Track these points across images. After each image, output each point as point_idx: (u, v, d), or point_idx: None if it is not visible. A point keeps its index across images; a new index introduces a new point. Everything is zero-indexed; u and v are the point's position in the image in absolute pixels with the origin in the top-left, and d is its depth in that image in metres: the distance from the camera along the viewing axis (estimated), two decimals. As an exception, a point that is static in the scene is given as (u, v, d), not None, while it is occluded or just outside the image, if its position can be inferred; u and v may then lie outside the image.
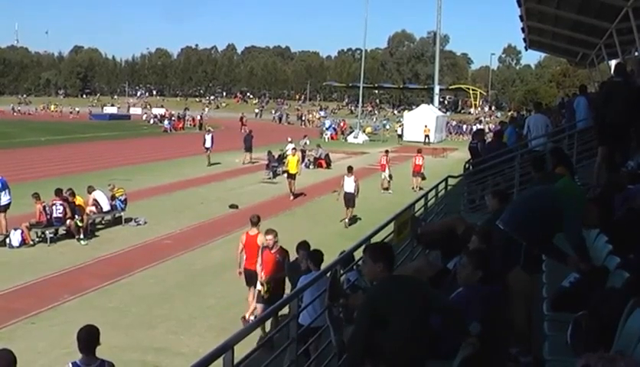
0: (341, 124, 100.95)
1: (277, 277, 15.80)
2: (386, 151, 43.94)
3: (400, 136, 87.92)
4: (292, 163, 37.63)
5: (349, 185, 31.54)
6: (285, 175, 38.56)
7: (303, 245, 14.45)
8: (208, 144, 53.15)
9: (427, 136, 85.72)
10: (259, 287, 16.20)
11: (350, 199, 31.26)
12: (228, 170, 48.06)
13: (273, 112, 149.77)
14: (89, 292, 19.73)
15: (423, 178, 41.74)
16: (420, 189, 39.39)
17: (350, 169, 32.81)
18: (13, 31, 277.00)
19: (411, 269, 9.14)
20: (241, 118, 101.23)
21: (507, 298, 8.00)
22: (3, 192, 26.33)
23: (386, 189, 41.14)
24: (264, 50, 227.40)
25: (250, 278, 17.56)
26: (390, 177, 41.74)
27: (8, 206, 26.50)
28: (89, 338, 9.42)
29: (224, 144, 72.38)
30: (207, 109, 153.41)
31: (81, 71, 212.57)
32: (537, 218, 8.73)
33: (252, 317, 16.39)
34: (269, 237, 16.44)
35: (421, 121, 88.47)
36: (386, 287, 6.99)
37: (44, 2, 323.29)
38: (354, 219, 31.31)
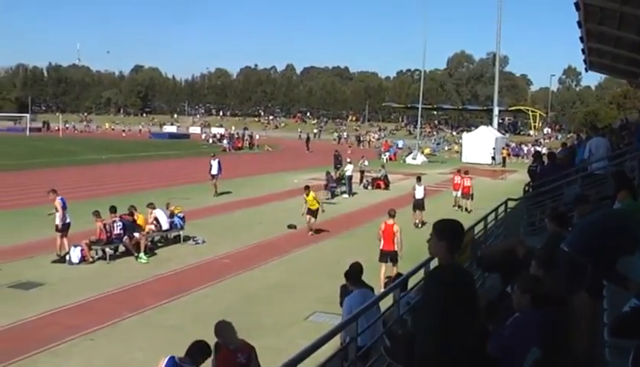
0: (383, 144, 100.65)
1: None
2: (458, 171, 44.81)
3: (494, 158, 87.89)
4: (310, 200, 34.03)
5: (419, 192, 36.89)
6: (306, 211, 33.80)
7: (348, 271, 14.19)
8: (214, 170, 47.16)
9: (504, 158, 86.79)
10: None
11: (420, 204, 36.51)
12: (287, 190, 48.01)
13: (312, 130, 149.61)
14: (147, 310, 19.80)
15: (472, 199, 41.54)
16: (466, 210, 39.50)
17: (419, 178, 38.55)
18: (75, 50, 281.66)
19: (503, 247, 8.88)
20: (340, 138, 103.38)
21: (567, 323, 7.85)
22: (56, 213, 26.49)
23: (461, 207, 42.02)
24: (323, 70, 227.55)
25: (384, 256, 23.09)
26: (463, 196, 42.27)
27: (67, 226, 26.60)
28: (197, 352, 10.57)
29: (283, 164, 72.62)
30: (230, 127, 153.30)
31: (141, 90, 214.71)
32: (603, 241, 8.58)
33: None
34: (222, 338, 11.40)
35: (480, 143, 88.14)
36: (458, 273, 7.02)
37: (106, 22, 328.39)
38: (423, 223, 34.01)
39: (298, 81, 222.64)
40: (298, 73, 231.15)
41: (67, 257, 25.30)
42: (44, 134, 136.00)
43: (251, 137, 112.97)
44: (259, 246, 29.14)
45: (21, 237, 29.14)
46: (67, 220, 26.51)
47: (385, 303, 11.59)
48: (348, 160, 50.94)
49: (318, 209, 33.52)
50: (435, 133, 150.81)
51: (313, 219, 33.20)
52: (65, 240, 26.07)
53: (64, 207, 26.46)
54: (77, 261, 25.18)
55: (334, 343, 9.97)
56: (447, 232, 6.98)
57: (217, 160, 47.92)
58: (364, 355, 10.43)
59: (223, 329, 11.32)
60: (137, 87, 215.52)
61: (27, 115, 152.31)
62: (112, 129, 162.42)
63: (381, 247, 23.33)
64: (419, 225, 34.33)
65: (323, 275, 22.78)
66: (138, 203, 29.03)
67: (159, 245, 29.12)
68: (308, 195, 33.68)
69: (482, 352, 7.02)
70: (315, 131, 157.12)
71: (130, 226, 26.70)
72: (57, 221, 26.21)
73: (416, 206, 36.48)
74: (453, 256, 6.92)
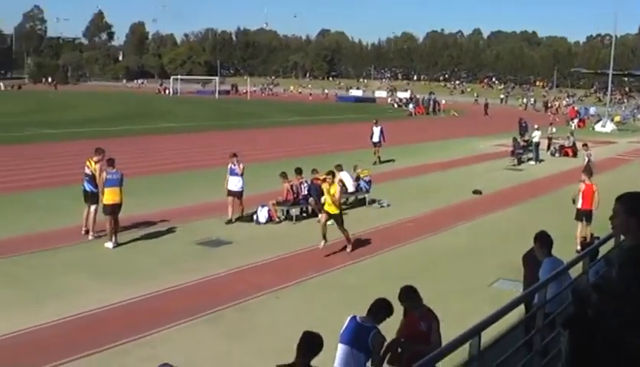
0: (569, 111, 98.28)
1: (418, 348, 10.14)
2: None
3: None
4: (330, 193, 21.84)
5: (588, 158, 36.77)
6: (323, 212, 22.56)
7: (540, 237, 13.74)
8: (376, 138, 44.84)
9: None
10: None
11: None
12: (473, 156, 47.75)
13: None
14: (333, 270, 20.13)
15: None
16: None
17: (586, 145, 39.52)
18: (263, 15, 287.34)
19: None
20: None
21: None
22: (237, 178, 26.36)
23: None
24: (510, 35, 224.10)
25: (581, 215, 23.45)
26: None
27: (240, 192, 26.31)
28: (379, 310, 10.59)
29: (468, 129, 72.03)
30: (415, 92, 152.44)
31: (328, 54, 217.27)
32: None
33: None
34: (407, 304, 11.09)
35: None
36: None
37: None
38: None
39: (485, 46, 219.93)
40: (485, 38, 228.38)
41: (255, 216, 25.92)
42: (232, 97, 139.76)
43: (436, 101, 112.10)
44: (444, 211, 28.99)
45: (212, 196, 29.67)
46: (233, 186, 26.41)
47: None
48: (536, 126, 49.84)
49: (340, 215, 22.25)
50: (625, 100, 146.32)
51: (340, 226, 22.18)
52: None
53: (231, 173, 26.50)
54: (264, 221, 25.82)
55: (518, 311, 9.79)
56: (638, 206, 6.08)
57: (379, 127, 45.21)
58: (551, 324, 10.23)
59: (408, 293, 11.07)
60: (323, 51, 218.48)
61: (216, 78, 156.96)
62: (300, 92, 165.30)
63: (579, 206, 23.73)
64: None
65: (508, 241, 22.41)
66: (324, 165, 29.25)
67: (344, 207, 29.32)
68: (332, 183, 22.00)
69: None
70: (502, 96, 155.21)
71: (316, 190, 26.98)
72: (240, 185, 26.28)
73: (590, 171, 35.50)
74: None
